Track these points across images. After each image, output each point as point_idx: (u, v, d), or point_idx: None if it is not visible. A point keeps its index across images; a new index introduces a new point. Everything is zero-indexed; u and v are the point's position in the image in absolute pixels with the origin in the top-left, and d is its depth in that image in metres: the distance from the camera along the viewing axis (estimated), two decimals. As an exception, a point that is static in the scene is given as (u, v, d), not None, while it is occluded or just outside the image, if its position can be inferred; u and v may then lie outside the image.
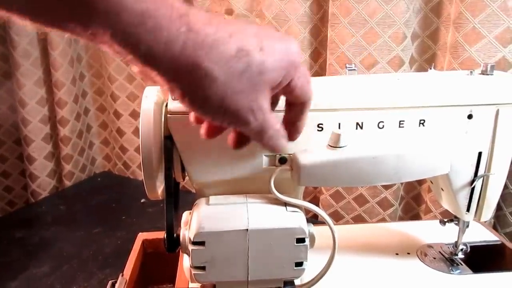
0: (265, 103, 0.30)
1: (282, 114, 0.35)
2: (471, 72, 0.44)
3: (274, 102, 0.34)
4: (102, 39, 0.25)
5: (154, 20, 0.24)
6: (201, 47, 0.26)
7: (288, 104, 0.34)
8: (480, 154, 0.43)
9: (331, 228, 0.39)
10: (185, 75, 0.26)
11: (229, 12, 0.83)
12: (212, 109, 0.28)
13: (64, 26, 0.25)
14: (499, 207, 0.70)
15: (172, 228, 0.39)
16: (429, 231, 0.56)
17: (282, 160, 0.41)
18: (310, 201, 0.88)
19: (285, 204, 0.39)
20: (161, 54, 0.25)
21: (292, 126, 0.35)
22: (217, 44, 0.26)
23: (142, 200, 0.91)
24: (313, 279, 0.41)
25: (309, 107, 0.34)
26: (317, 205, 0.84)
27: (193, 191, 0.44)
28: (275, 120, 0.31)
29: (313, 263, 0.40)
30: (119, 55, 0.26)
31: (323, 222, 0.40)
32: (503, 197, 0.69)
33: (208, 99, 0.28)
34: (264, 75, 0.28)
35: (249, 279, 0.38)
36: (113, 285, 0.48)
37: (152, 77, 0.27)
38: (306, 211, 0.41)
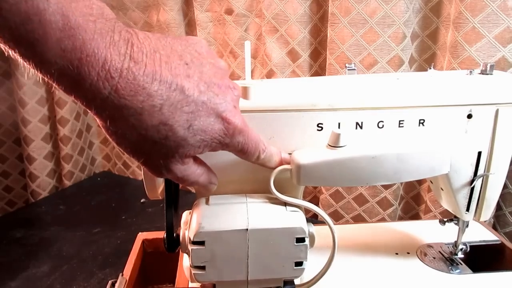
0: (178, 166, 0.31)
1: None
2: (470, 71, 0.44)
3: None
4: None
5: (75, 76, 0.24)
6: (120, 110, 0.26)
7: None
8: (479, 153, 0.43)
9: (331, 228, 0.39)
10: (102, 119, 0.27)
11: (229, 11, 0.83)
12: (124, 151, 0.29)
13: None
14: (498, 207, 0.70)
15: (172, 228, 0.39)
16: (429, 231, 0.56)
17: (282, 160, 0.41)
18: (310, 201, 0.88)
19: (285, 203, 0.39)
20: (82, 99, 0.26)
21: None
22: (141, 112, 0.26)
23: (142, 200, 0.91)
24: (313, 278, 0.41)
25: (266, 161, 0.37)
26: (317, 204, 0.84)
27: (193, 191, 0.44)
28: (196, 173, 0.33)
29: (313, 263, 0.40)
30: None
31: (323, 222, 0.40)
32: (502, 196, 0.69)
33: (119, 145, 0.29)
34: (181, 149, 0.29)
35: (249, 279, 0.38)
36: (113, 285, 0.48)
37: None
38: (306, 210, 0.41)
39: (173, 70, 0.27)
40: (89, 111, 0.27)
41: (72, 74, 0.24)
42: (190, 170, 0.32)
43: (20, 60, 0.24)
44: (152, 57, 0.26)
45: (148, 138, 0.28)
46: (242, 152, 0.34)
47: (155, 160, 0.30)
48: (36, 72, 0.25)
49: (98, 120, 0.28)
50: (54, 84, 0.25)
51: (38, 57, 0.24)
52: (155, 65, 0.26)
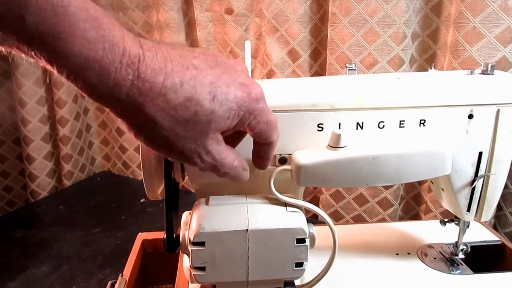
0: (215, 146, 0.31)
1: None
2: (471, 71, 0.44)
3: (236, 138, 0.36)
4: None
5: (100, 66, 0.25)
6: (147, 94, 0.27)
7: (254, 140, 0.35)
8: (480, 154, 0.43)
9: (331, 229, 0.39)
10: (131, 115, 0.28)
11: (229, 11, 0.83)
12: (156, 147, 0.30)
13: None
14: (499, 207, 0.70)
15: (172, 228, 0.39)
16: (430, 231, 0.55)
17: (282, 160, 0.41)
18: (310, 201, 0.88)
19: (285, 204, 0.39)
20: (108, 96, 0.27)
21: (260, 158, 0.36)
22: (165, 92, 0.27)
23: (142, 200, 0.91)
24: (313, 279, 0.41)
25: (273, 147, 0.35)
26: (317, 205, 0.84)
27: (193, 191, 0.44)
28: (231, 157, 0.33)
29: (313, 263, 0.40)
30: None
31: (323, 222, 0.40)
32: (503, 197, 0.69)
33: (152, 139, 0.29)
34: (213, 123, 0.29)
35: (249, 280, 0.38)
36: (113, 285, 0.48)
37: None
38: (306, 211, 0.40)
39: (181, 54, 0.29)
40: (115, 115, 0.28)
41: (97, 66, 0.25)
42: (226, 153, 0.32)
43: (40, 62, 0.25)
44: (158, 46, 0.28)
45: (179, 119, 0.28)
46: (267, 124, 0.33)
47: (191, 145, 0.30)
48: (61, 74, 0.25)
49: (124, 124, 0.29)
50: (79, 85, 0.26)
51: (65, 52, 0.24)
52: (164, 51, 0.28)
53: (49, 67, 0.25)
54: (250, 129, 0.33)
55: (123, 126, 0.29)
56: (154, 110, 0.27)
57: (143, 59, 0.26)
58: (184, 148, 0.30)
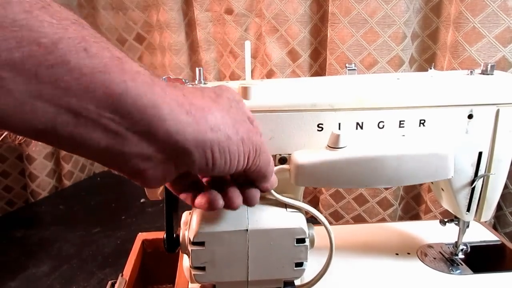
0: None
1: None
2: (471, 72, 0.44)
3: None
4: None
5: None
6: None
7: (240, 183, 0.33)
8: (480, 154, 0.43)
9: (327, 229, 0.39)
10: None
11: (229, 11, 0.83)
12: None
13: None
14: (499, 207, 0.70)
15: (171, 228, 0.39)
16: (429, 231, 0.55)
17: (282, 160, 0.41)
18: (310, 201, 0.88)
19: (285, 204, 0.39)
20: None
21: (253, 195, 0.33)
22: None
23: (142, 200, 0.91)
24: (312, 279, 0.41)
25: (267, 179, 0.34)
26: (317, 205, 0.84)
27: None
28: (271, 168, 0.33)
29: (313, 263, 0.40)
30: None
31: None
32: (503, 197, 0.69)
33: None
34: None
35: (249, 280, 0.38)
36: (113, 285, 0.48)
37: None
38: (306, 210, 0.40)
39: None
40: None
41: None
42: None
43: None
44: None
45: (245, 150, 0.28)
46: (266, 155, 0.31)
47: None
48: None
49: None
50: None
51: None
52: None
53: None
54: (253, 167, 0.30)
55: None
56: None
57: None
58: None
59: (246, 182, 0.33)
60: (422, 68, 0.73)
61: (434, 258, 0.50)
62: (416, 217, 0.81)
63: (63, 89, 0.20)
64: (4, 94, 0.19)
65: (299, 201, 0.40)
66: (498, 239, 0.54)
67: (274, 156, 0.41)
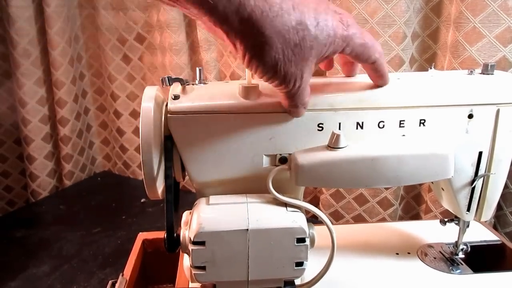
0: (307, 74, 0.34)
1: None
2: (471, 71, 0.44)
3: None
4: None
5: None
6: (266, 15, 0.29)
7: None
8: (480, 153, 0.43)
9: (329, 229, 0.39)
10: (250, 37, 0.30)
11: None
12: (264, 70, 0.32)
13: None
14: (499, 207, 0.70)
15: (172, 228, 0.39)
16: (430, 231, 0.55)
17: (283, 160, 0.41)
18: (310, 201, 0.88)
19: (286, 203, 0.39)
20: (233, 15, 0.29)
21: (375, 75, 0.39)
22: (282, 13, 0.29)
23: (142, 200, 0.91)
24: (313, 279, 0.41)
25: (379, 64, 0.37)
26: (317, 204, 0.84)
27: (193, 190, 0.44)
28: (308, 91, 0.36)
29: (313, 263, 0.40)
30: (192, 15, 0.30)
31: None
32: (503, 196, 0.69)
33: (264, 61, 0.31)
34: (314, 49, 0.32)
35: (249, 279, 0.38)
36: (113, 285, 0.48)
37: (220, 36, 0.31)
38: (306, 210, 0.40)
39: None
40: (233, 41, 0.30)
41: None
42: (307, 84, 0.35)
43: None
44: None
45: (290, 42, 0.30)
46: (362, 46, 0.34)
47: (293, 69, 0.32)
48: None
49: (240, 48, 0.31)
50: (203, 7, 0.28)
51: None
52: None
53: None
54: (347, 54, 0.35)
55: (238, 50, 0.31)
56: (271, 32, 0.29)
57: None
58: (287, 71, 0.32)
59: None
60: (422, 68, 0.73)
61: (434, 258, 0.50)
62: (416, 217, 0.81)
63: None
64: None
65: (300, 200, 0.40)
66: (498, 238, 0.54)
67: (275, 156, 0.41)
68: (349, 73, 0.43)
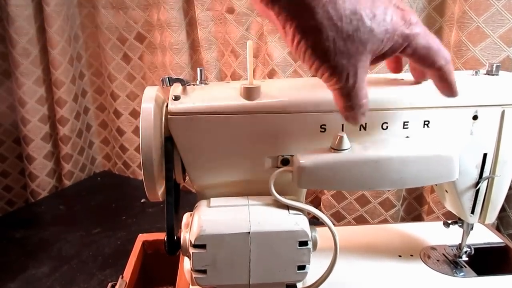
0: (362, 70, 0.31)
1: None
2: (476, 72, 0.43)
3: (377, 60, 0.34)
4: None
5: None
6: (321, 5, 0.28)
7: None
8: (485, 155, 0.42)
9: (332, 232, 0.39)
10: (301, 18, 0.29)
11: (230, 10, 0.82)
12: (313, 56, 0.30)
13: None
14: (502, 208, 0.69)
15: (172, 230, 0.39)
16: (432, 233, 0.55)
17: (285, 161, 0.40)
18: (311, 202, 0.88)
19: (288, 206, 0.39)
20: None
21: (441, 85, 0.35)
22: (335, 0, 0.28)
23: (142, 200, 0.90)
24: (315, 282, 0.40)
25: (446, 72, 0.34)
26: (319, 205, 0.84)
27: (194, 191, 0.43)
28: (365, 91, 0.32)
29: (315, 265, 0.39)
30: None
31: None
32: (507, 198, 0.67)
33: (313, 47, 0.29)
34: (369, 43, 0.29)
35: (250, 283, 0.38)
36: (113, 287, 0.48)
37: (272, 19, 0.30)
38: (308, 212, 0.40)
39: None
40: (282, 21, 0.29)
41: None
42: (365, 84, 0.32)
43: None
44: None
45: (342, 31, 0.29)
46: (426, 49, 0.32)
47: (345, 61, 0.30)
48: None
49: (291, 28, 0.29)
50: None
51: None
52: None
53: None
54: (407, 56, 0.32)
55: (287, 33, 0.30)
56: (322, 17, 0.28)
57: None
58: (337, 62, 0.30)
59: None
60: (425, 68, 0.73)
61: (438, 260, 0.50)
62: (418, 218, 0.81)
63: None
64: None
65: (302, 203, 0.40)
66: (502, 241, 0.54)
67: (277, 158, 0.40)
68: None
